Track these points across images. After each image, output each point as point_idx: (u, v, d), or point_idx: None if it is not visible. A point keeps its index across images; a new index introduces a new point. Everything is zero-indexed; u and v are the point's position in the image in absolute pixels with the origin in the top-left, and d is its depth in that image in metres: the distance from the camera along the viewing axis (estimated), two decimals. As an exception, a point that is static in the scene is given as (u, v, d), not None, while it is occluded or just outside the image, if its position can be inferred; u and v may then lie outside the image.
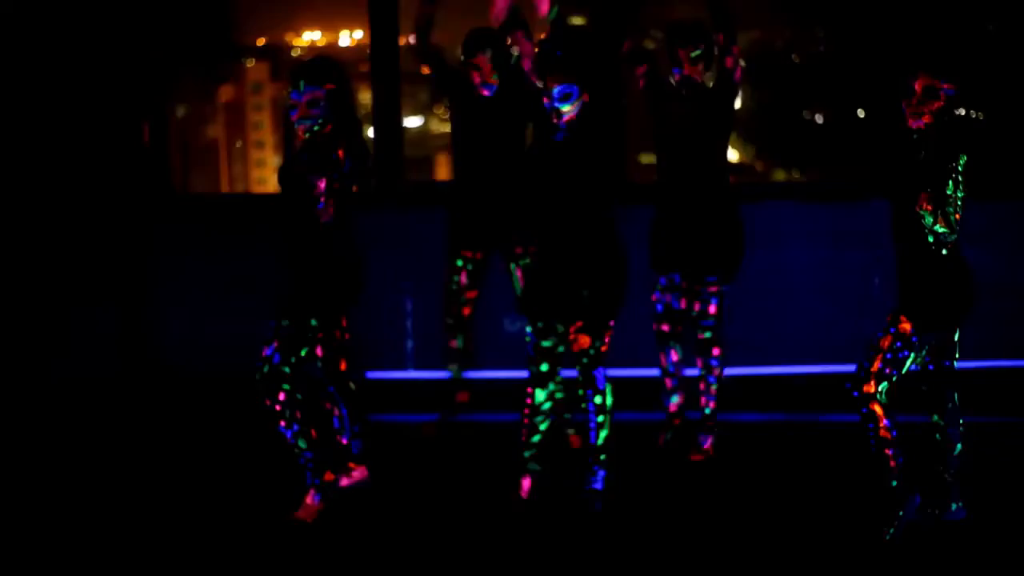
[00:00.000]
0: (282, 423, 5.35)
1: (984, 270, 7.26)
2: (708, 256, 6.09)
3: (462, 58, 6.36)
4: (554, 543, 5.22)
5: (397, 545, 5.24)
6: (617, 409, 5.52)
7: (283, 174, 5.37)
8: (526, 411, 5.47)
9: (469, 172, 6.50)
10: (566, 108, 5.28)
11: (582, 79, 5.28)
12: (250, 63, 10.84)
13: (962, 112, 8.44)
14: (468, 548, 5.19)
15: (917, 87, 4.98)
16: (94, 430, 6.98)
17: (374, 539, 5.32)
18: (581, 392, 5.47)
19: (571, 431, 6.36)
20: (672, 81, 6.10)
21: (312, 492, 5.42)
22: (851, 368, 5.10)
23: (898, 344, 5.00)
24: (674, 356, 6.20)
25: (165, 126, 8.19)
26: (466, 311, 6.58)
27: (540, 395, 5.46)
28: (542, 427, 5.49)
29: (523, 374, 5.52)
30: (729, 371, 6.65)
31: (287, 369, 5.31)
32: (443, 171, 9.67)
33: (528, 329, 5.45)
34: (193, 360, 7.67)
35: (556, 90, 5.26)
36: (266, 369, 5.31)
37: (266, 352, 5.32)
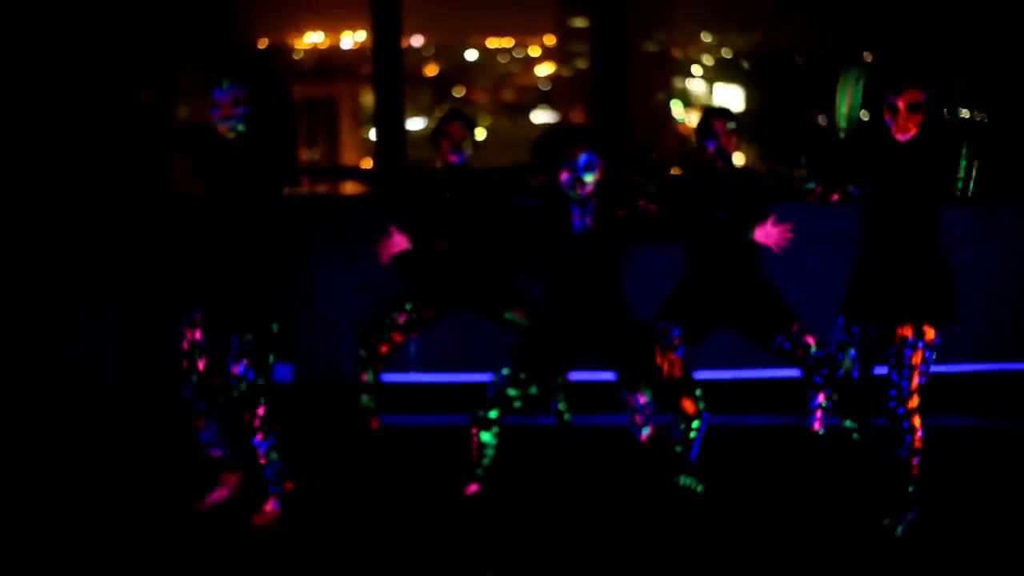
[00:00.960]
0: (259, 436, 5.33)
1: (984, 272, 7.30)
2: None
3: (435, 128, 6.53)
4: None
5: (402, 544, 5.25)
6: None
7: (222, 178, 5.22)
8: (474, 449, 5.66)
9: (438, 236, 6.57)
10: (589, 179, 5.34)
11: (602, 154, 5.37)
12: (252, 64, 10.86)
13: (966, 114, 8.44)
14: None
15: (901, 105, 5.10)
16: (93, 431, 6.96)
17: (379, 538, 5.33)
18: (697, 422, 5.60)
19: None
20: (706, 153, 6.04)
21: (273, 500, 5.43)
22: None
23: (928, 355, 5.11)
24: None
25: (168, 125, 8.18)
26: (384, 349, 6.60)
27: (486, 436, 5.64)
28: (489, 454, 5.67)
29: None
30: (732, 374, 6.65)
31: (262, 381, 5.27)
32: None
33: (504, 372, 5.56)
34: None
35: (582, 158, 5.32)
36: (243, 387, 5.25)
37: (238, 371, 5.25)
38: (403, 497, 5.81)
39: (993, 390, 7.22)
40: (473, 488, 5.73)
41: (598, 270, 5.48)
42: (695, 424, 5.61)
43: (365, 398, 6.67)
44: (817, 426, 6.15)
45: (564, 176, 5.35)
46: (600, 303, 5.51)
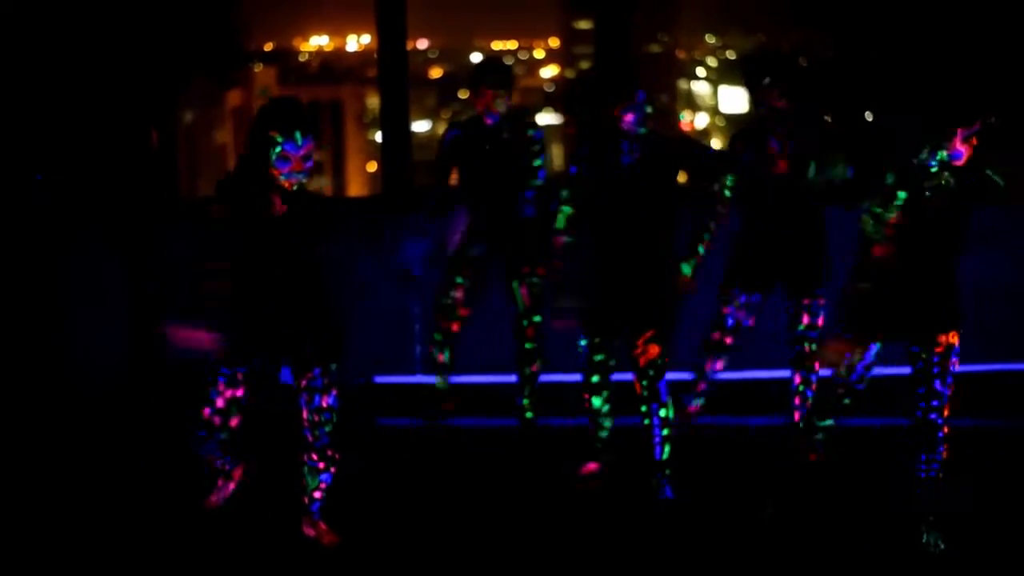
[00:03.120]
0: (332, 470, 5.16)
1: (997, 272, 7.30)
2: (814, 271, 6.05)
3: (472, 80, 6.47)
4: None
5: (413, 549, 5.27)
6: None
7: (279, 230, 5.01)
8: (589, 415, 5.85)
9: (474, 194, 6.57)
10: (649, 109, 5.51)
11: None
12: (258, 68, 10.85)
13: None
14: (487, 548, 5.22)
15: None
16: (100, 436, 6.97)
17: (385, 544, 5.35)
18: (645, 408, 5.63)
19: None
20: (763, 112, 5.99)
21: (321, 523, 5.30)
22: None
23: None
24: (719, 365, 6.20)
25: (173, 131, 8.18)
26: (455, 327, 6.63)
27: (597, 401, 5.81)
28: (606, 424, 5.86)
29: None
30: (739, 375, 6.66)
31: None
32: (451, 176, 9.69)
33: (582, 343, 5.73)
34: (200, 364, 7.64)
35: (639, 94, 5.46)
36: (334, 420, 5.08)
37: (328, 402, 5.05)
38: (408, 500, 5.82)
39: (1004, 390, 7.21)
40: (591, 467, 5.88)
41: (646, 206, 5.53)
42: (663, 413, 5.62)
43: (440, 380, 6.69)
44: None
45: (630, 117, 5.45)
46: (647, 242, 5.56)
